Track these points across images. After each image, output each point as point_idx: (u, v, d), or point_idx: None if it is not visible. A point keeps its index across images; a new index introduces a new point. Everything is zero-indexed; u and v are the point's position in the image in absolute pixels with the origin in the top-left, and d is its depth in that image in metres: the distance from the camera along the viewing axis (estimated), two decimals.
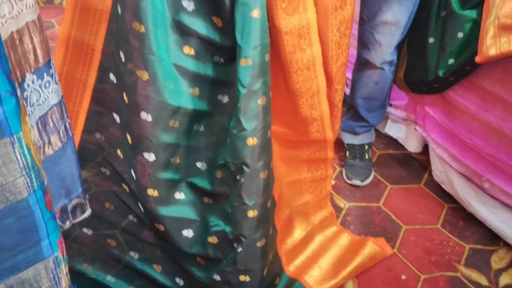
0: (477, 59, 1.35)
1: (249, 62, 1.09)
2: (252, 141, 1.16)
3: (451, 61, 1.47)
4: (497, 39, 1.29)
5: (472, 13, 1.39)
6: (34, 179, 0.73)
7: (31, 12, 0.84)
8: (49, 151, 0.98)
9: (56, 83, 0.95)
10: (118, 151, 1.25)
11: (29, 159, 0.72)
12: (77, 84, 1.21)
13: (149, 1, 1.02)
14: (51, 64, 0.93)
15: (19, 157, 0.71)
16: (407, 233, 1.64)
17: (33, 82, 0.90)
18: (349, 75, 1.78)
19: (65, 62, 1.17)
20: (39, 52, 0.88)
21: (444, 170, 1.71)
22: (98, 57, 1.16)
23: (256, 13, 1.07)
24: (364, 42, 1.65)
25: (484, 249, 1.59)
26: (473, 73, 1.46)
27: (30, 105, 0.90)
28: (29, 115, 0.90)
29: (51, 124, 0.96)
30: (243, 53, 1.08)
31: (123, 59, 1.10)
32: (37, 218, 0.76)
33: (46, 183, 0.77)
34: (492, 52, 1.31)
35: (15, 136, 0.69)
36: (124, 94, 1.13)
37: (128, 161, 1.23)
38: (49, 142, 0.97)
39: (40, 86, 0.91)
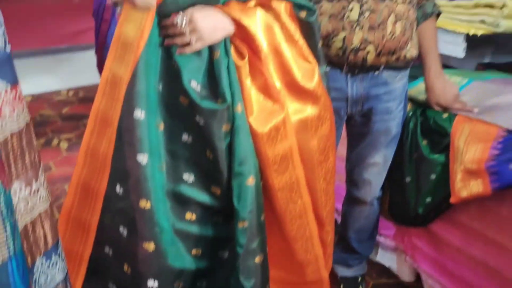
0: (452, 200, 1.46)
1: (245, 224, 1.18)
2: None
3: (428, 199, 1.57)
4: (466, 182, 1.41)
5: (440, 158, 1.52)
6: None
7: (43, 203, 0.94)
8: None
9: (63, 260, 1.02)
10: None
11: None
12: (74, 257, 1.26)
13: (150, 176, 1.13)
14: (59, 244, 1.01)
15: None
16: None
17: (42, 265, 0.96)
18: (338, 205, 1.87)
19: (65, 236, 1.25)
20: (49, 237, 0.96)
21: None
22: (93, 234, 1.23)
23: (251, 181, 1.18)
24: (354, 181, 1.75)
25: None
26: (452, 209, 1.56)
27: (38, 287, 0.96)
28: None
29: None
30: (240, 216, 1.18)
31: (124, 234, 1.18)
32: None
33: None
34: (464, 194, 1.42)
35: None
36: (125, 265, 1.19)
37: None
38: None
39: (48, 266, 0.98)
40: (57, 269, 1.00)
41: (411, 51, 1.50)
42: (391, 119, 1.58)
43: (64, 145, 3.27)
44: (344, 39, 1.42)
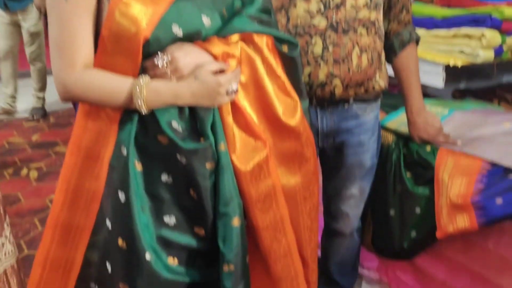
0: (438, 234, 1.43)
1: (231, 268, 1.13)
2: None
3: (413, 233, 1.55)
4: (452, 217, 1.39)
5: (425, 191, 1.50)
6: None
7: (10, 259, 0.86)
8: None
9: None
10: None
11: None
12: None
13: (138, 220, 1.07)
14: None
15: None
16: None
17: None
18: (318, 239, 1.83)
19: (42, 280, 1.17)
20: None
21: None
22: (77, 271, 1.17)
23: (236, 222, 1.13)
24: (331, 213, 1.72)
25: None
26: (437, 242, 1.53)
27: None
28: None
29: None
30: (226, 258, 1.12)
31: (109, 270, 1.12)
32: None
33: None
34: (450, 229, 1.39)
35: None
36: None
37: None
38: None
39: None
40: None
41: (379, 82, 1.49)
42: (365, 151, 1.55)
43: (33, 174, 3.15)
44: (309, 74, 1.41)
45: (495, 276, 1.40)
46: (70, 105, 3.71)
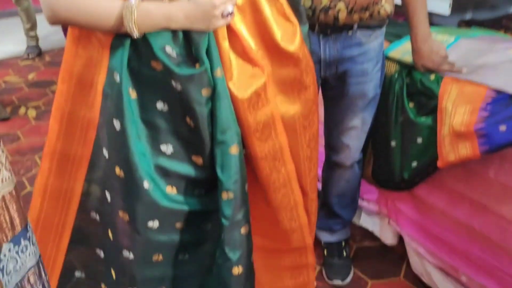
0: (439, 164, 1.42)
1: (230, 196, 1.13)
2: (237, 270, 1.18)
3: (414, 164, 1.54)
4: (454, 146, 1.37)
5: (427, 120, 1.47)
6: None
7: (7, 185, 0.85)
8: None
9: (33, 244, 0.94)
10: (103, 285, 1.25)
11: None
12: (55, 227, 1.21)
13: (134, 148, 1.05)
14: (28, 227, 0.93)
15: None
16: None
17: (9, 251, 0.89)
18: (318, 171, 1.83)
19: (42, 210, 1.18)
20: (16, 221, 0.88)
21: (422, 264, 1.73)
22: (77, 201, 1.18)
23: (234, 150, 1.11)
24: (332, 145, 1.71)
25: None
26: (437, 172, 1.53)
27: (6, 274, 0.88)
28: (6, 285, 0.88)
29: (29, 287, 0.94)
30: (224, 186, 1.12)
31: (108, 199, 1.12)
32: None
33: None
34: (452, 157, 1.38)
35: None
36: (109, 231, 1.14)
37: None
38: None
39: (17, 252, 0.90)
40: (27, 254, 0.93)
41: (385, 7, 1.42)
42: (368, 81, 1.52)
43: (32, 113, 3.12)
44: None
45: (495, 204, 1.40)
46: (64, 44, 3.61)
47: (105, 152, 1.10)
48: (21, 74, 3.79)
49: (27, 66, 3.97)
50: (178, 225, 1.16)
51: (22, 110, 3.15)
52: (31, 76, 3.74)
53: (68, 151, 1.13)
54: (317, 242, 1.94)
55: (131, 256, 1.13)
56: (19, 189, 0.90)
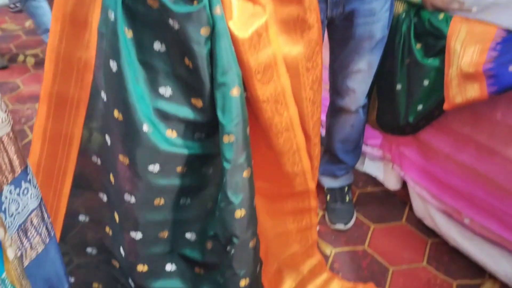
0: (445, 106, 1.39)
1: (231, 139, 1.10)
2: (240, 213, 1.17)
3: (419, 107, 1.51)
4: (461, 87, 1.34)
5: (435, 62, 1.43)
6: None
7: (4, 127, 0.83)
8: (32, 255, 0.96)
9: (35, 187, 0.94)
10: (107, 228, 1.26)
11: None
12: (56, 172, 1.20)
13: (133, 90, 1.03)
14: (28, 170, 0.92)
15: None
16: (395, 275, 1.65)
17: (10, 193, 0.88)
18: (322, 116, 1.81)
19: (43, 154, 1.17)
20: (15, 163, 0.87)
21: (425, 207, 1.74)
22: (77, 145, 1.16)
23: (235, 92, 1.08)
24: (337, 89, 1.67)
25: (471, 284, 1.61)
26: (443, 115, 1.50)
27: (9, 216, 0.88)
28: (9, 226, 0.88)
29: (32, 229, 0.94)
30: (226, 130, 1.09)
31: (108, 143, 1.11)
32: None
33: None
34: (459, 99, 1.35)
35: None
36: (111, 175, 1.13)
37: (116, 238, 1.23)
38: (31, 247, 0.95)
39: (18, 194, 0.90)
40: (29, 196, 0.93)
41: None
42: (376, 21, 1.46)
43: (30, 61, 3.07)
44: None
45: (502, 147, 1.38)
46: None
47: (103, 95, 1.07)
48: (18, 22, 3.70)
49: (24, 13, 3.87)
50: (179, 169, 1.15)
51: (20, 58, 3.10)
52: (28, 23, 3.65)
53: (65, 94, 1.11)
54: (320, 187, 1.94)
55: (132, 199, 1.13)
56: (20, 137, 0.88)
